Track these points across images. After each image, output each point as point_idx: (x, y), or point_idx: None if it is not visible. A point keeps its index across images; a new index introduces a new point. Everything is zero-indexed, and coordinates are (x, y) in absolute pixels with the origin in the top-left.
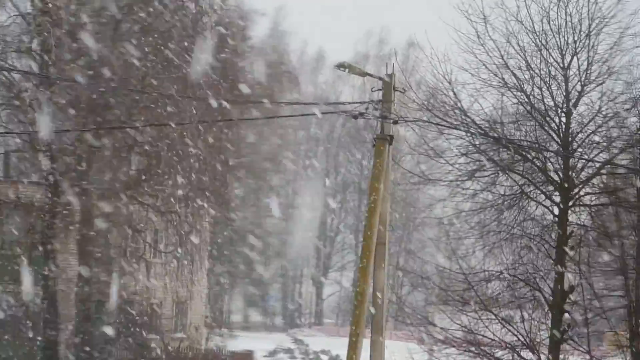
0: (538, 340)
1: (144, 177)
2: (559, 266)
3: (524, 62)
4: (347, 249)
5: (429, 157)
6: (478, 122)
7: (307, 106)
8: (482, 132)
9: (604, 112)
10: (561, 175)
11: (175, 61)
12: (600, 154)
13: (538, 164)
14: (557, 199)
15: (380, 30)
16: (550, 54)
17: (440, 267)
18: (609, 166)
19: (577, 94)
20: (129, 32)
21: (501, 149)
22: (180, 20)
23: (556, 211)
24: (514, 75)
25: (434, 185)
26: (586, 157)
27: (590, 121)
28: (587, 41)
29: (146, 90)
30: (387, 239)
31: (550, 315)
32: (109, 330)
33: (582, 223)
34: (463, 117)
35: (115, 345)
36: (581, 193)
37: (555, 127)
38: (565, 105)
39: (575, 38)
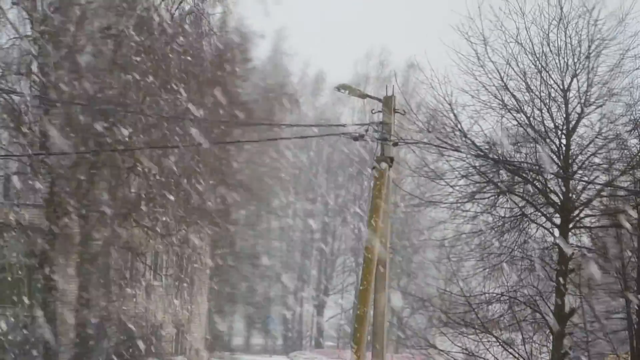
0: None
1: (143, 200)
2: (561, 287)
3: (523, 84)
4: (347, 271)
5: (429, 179)
6: (478, 144)
7: (307, 128)
8: (482, 154)
9: (604, 134)
10: (561, 197)
11: (175, 83)
12: (601, 176)
13: (538, 186)
14: (558, 221)
15: (380, 52)
16: (550, 75)
17: (441, 289)
18: (609, 188)
19: (577, 115)
20: (128, 54)
21: (501, 171)
22: (180, 43)
23: (557, 233)
24: (514, 97)
25: (434, 207)
26: (586, 179)
27: (590, 143)
28: (587, 63)
29: (146, 112)
30: (388, 261)
31: (551, 337)
32: (108, 353)
33: (583, 245)
34: (463, 139)
35: None
36: (581, 215)
37: (556, 149)
38: (565, 127)
39: (575, 60)
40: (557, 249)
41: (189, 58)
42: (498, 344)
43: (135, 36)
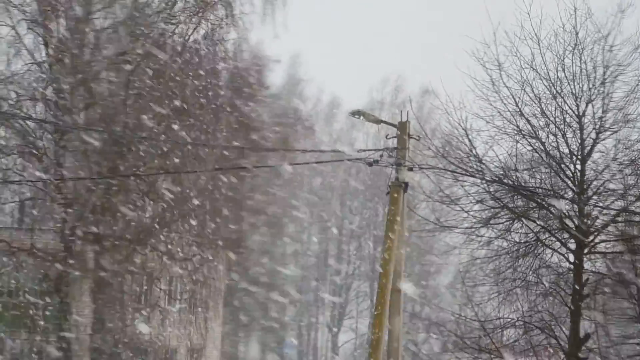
0: None
1: (158, 224)
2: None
3: (538, 109)
4: (362, 296)
5: (444, 204)
6: (493, 169)
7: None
8: (497, 179)
9: (619, 160)
10: (576, 223)
11: (190, 109)
12: (616, 202)
13: (553, 212)
14: (573, 246)
15: (396, 78)
16: (565, 101)
17: (455, 314)
18: (624, 214)
19: (592, 141)
20: (143, 79)
21: (516, 196)
22: (196, 68)
23: (572, 258)
24: (529, 122)
25: (449, 232)
26: (601, 204)
27: (605, 168)
28: (602, 89)
29: (160, 137)
30: (402, 286)
31: None
32: None
33: (598, 270)
34: (478, 164)
35: None
36: (596, 241)
37: (571, 174)
38: (580, 153)
39: (590, 86)
40: (572, 274)
41: (203, 83)
42: None
43: (150, 62)
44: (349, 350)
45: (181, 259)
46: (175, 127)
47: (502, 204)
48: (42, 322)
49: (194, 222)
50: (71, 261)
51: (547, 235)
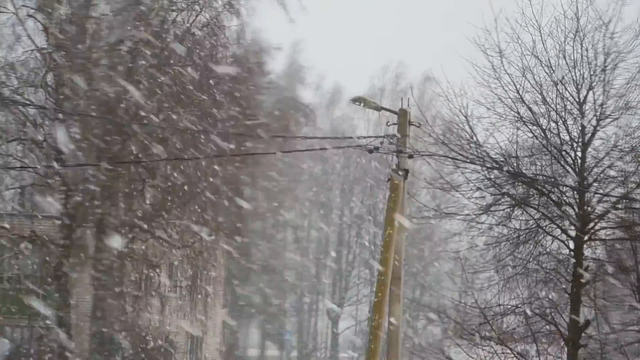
0: None
1: (158, 211)
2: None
3: (539, 96)
4: (362, 283)
5: (444, 191)
6: (493, 156)
7: (322, 140)
8: (498, 166)
9: (620, 147)
10: (577, 210)
11: (191, 95)
12: (616, 189)
13: (553, 198)
14: (573, 233)
15: (396, 65)
16: (565, 88)
17: (456, 301)
18: (625, 201)
19: (592, 128)
20: (143, 66)
21: (517, 183)
22: (196, 54)
23: (572, 245)
24: (530, 109)
25: (449, 219)
26: (602, 191)
27: (606, 155)
28: (603, 76)
29: (161, 124)
30: (403, 273)
31: (566, 349)
32: None
33: (598, 257)
34: (478, 151)
35: None
36: (597, 227)
37: (571, 161)
38: (580, 140)
39: (591, 73)
40: (572, 261)
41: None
42: (513, 355)
43: (150, 49)
44: (349, 337)
45: (181, 245)
46: (175, 114)
47: (502, 191)
48: (42, 309)
49: (193, 209)
50: (71, 248)
51: (547, 222)
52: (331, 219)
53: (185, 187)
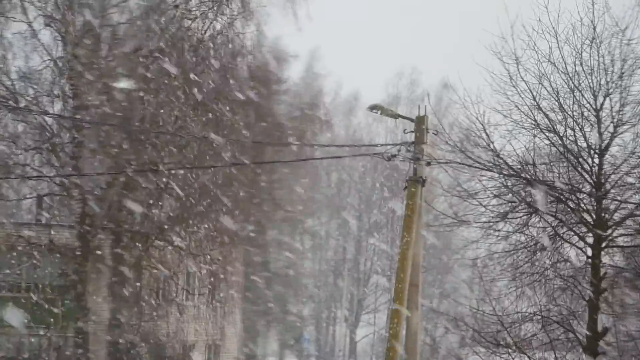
0: None
1: (176, 220)
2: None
3: (556, 103)
4: (380, 291)
5: (461, 198)
6: (510, 164)
7: (340, 148)
8: (515, 173)
9: (638, 153)
10: (594, 217)
11: (208, 103)
12: (634, 196)
13: (571, 206)
14: (591, 240)
15: (411, 72)
16: (582, 95)
17: (473, 308)
18: None
19: (609, 135)
20: (160, 75)
21: (534, 191)
22: (212, 63)
23: (589, 252)
24: (547, 116)
25: (466, 227)
26: (619, 198)
27: (623, 162)
28: (620, 82)
29: (178, 132)
30: (420, 280)
31: (584, 357)
32: None
33: (616, 264)
34: (495, 158)
35: None
36: (614, 234)
37: (588, 168)
38: (598, 147)
39: (608, 79)
40: (589, 268)
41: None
42: None
43: (166, 57)
44: (367, 345)
45: (199, 254)
46: (192, 122)
47: (519, 198)
48: (60, 318)
49: (212, 217)
50: (89, 257)
51: (565, 230)
52: (349, 227)
53: (203, 196)
